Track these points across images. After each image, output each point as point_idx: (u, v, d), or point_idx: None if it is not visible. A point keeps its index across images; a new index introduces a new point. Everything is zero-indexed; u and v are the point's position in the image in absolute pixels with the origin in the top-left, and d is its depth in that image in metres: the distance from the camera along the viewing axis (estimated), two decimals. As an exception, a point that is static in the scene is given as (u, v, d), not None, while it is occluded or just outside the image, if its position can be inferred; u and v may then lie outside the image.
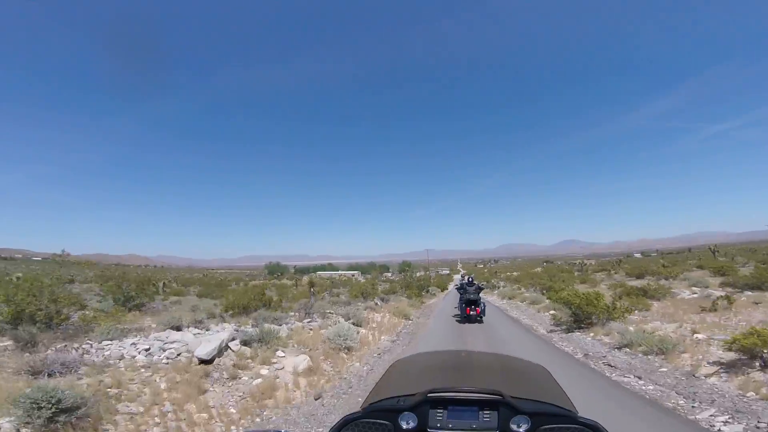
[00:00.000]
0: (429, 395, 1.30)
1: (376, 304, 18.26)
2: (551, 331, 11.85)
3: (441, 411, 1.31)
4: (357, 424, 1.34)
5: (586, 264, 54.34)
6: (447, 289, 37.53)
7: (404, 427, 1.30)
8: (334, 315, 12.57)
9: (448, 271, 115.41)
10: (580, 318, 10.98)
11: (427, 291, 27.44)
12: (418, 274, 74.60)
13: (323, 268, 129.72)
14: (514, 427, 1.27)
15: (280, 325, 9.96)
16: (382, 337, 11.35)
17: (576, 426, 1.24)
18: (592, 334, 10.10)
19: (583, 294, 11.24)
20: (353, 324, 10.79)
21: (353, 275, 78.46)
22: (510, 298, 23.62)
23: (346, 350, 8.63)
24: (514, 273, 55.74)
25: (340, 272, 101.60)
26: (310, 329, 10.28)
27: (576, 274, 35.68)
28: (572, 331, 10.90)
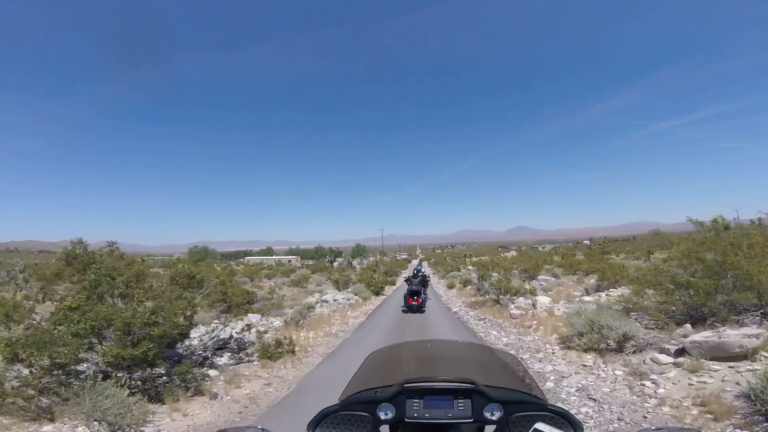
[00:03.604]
0: (405, 385, 1.32)
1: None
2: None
3: (417, 401, 1.32)
4: (335, 416, 1.34)
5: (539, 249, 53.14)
6: (395, 285, 30.46)
7: (382, 417, 1.31)
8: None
9: (406, 256, 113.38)
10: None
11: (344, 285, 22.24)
12: (370, 260, 71.03)
13: (259, 253, 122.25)
14: (487, 414, 1.29)
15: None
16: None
17: (546, 413, 1.27)
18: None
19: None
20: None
21: (289, 261, 72.85)
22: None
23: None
24: (482, 257, 52.55)
25: (277, 258, 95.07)
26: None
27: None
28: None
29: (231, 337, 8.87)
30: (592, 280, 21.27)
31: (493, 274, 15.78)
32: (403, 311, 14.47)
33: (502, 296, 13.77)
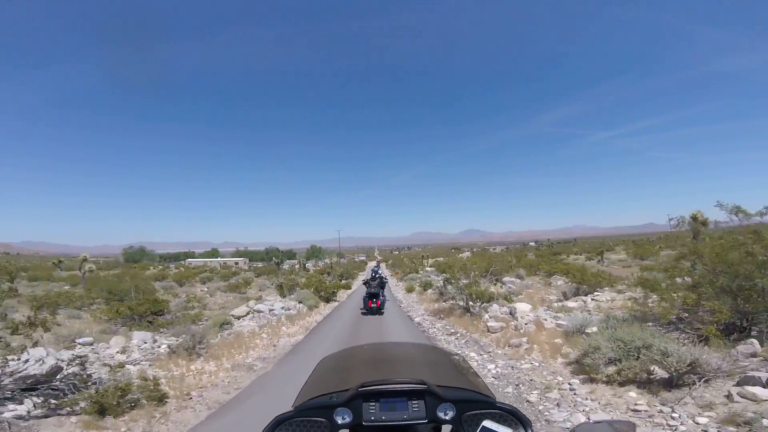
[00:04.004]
0: (360, 389, 1.30)
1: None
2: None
3: (374, 404, 1.31)
4: (291, 423, 1.28)
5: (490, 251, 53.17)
6: (351, 288, 27.68)
7: (339, 422, 1.29)
8: None
9: (364, 257, 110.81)
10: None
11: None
12: (326, 261, 67.07)
13: (204, 255, 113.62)
14: (441, 414, 1.29)
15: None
16: None
17: (495, 411, 1.28)
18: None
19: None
20: None
21: (236, 263, 67.35)
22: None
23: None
24: (438, 259, 50.92)
25: (223, 260, 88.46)
26: None
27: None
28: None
29: (57, 369, 5.37)
30: (559, 282, 20.03)
31: (461, 278, 13.33)
32: (363, 313, 14.33)
33: (472, 303, 11.46)
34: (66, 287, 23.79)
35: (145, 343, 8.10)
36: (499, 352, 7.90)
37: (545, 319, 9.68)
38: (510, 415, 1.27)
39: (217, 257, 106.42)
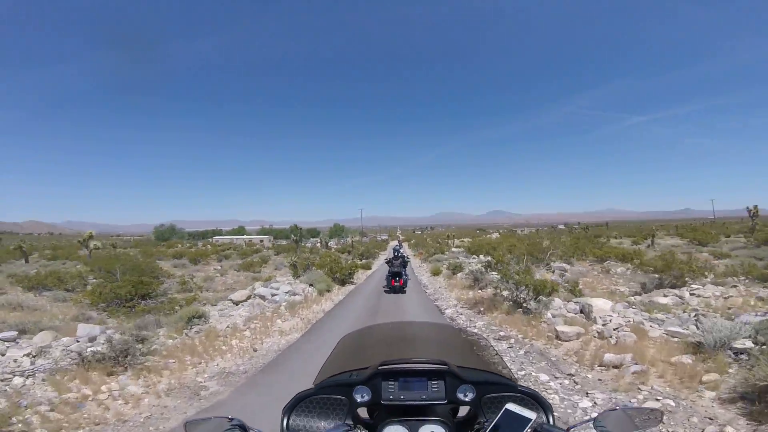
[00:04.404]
0: (380, 368, 1.29)
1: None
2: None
3: (393, 383, 1.30)
4: (311, 400, 1.31)
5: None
6: (371, 269, 25.00)
7: (358, 400, 1.30)
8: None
9: (386, 237, 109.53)
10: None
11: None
12: (347, 240, 65.27)
13: (231, 232, 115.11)
14: (460, 396, 1.28)
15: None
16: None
17: (517, 394, 1.28)
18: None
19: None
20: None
21: (261, 241, 66.92)
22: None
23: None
24: (465, 239, 47.79)
25: (248, 237, 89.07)
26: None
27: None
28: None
29: None
30: (618, 269, 16.71)
31: (509, 262, 10.29)
32: (386, 291, 13.97)
33: (526, 296, 8.58)
34: (78, 266, 22.86)
35: (78, 341, 5.89)
36: (590, 376, 5.12)
37: (641, 323, 6.75)
38: (532, 399, 1.27)
39: (243, 235, 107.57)
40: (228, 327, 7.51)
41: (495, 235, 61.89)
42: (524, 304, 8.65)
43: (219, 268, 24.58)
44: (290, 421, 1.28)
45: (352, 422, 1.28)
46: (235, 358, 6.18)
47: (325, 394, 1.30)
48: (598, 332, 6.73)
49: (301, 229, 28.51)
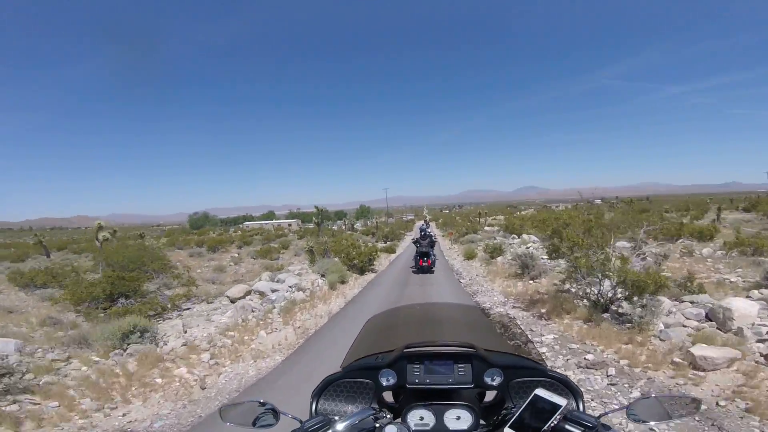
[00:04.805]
0: (405, 351, 1.29)
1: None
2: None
3: (418, 366, 1.29)
4: (338, 384, 1.33)
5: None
6: (395, 252, 22.56)
7: (384, 384, 1.30)
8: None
9: (412, 216, 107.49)
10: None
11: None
12: (373, 221, 63.22)
13: (261, 218, 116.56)
14: (488, 380, 1.27)
15: None
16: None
17: (546, 379, 1.25)
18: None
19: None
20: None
21: (289, 224, 66.39)
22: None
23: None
24: (498, 217, 44.48)
25: (277, 222, 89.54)
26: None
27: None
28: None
29: None
30: (704, 250, 13.40)
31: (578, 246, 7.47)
32: (414, 272, 13.50)
33: (609, 293, 5.94)
34: (89, 260, 22.19)
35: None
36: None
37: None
38: (562, 384, 1.25)
39: (272, 219, 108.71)
40: (184, 345, 5.45)
41: (529, 212, 57.71)
42: (608, 308, 6.01)
43: (236, 255, 23.20)
44: (319, 405, 1.30)
45: (377, 406, 1.29)
46: (163, 401, 4.07)
47: (352, 378, 1.31)
48: (763, 355, 4.08)
49: (322, 210, 26.31)
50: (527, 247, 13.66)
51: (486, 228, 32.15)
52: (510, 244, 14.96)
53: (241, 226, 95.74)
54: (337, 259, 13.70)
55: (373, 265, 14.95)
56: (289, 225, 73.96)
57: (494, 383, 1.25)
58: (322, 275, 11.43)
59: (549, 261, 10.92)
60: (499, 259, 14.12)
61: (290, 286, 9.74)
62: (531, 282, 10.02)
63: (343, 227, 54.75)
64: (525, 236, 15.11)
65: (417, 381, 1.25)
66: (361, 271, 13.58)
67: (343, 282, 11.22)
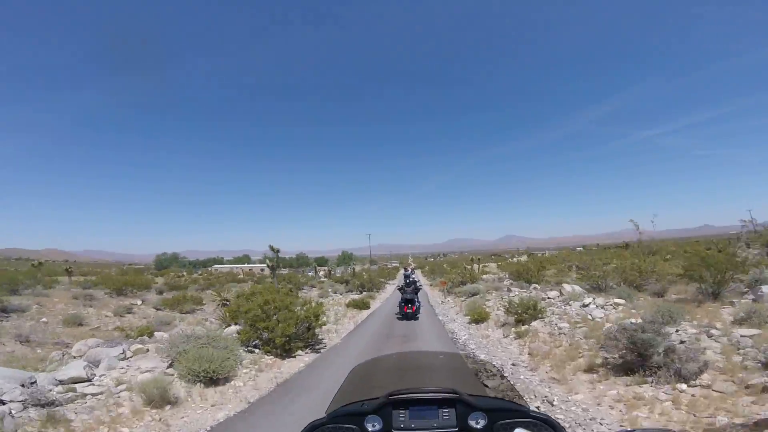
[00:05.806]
0: (390, 397, 1.31)
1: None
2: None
3: (403, 412, 1.31)
4: (323, 429, 1.32)
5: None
6: (369, 308, 16.99)
7: (370, 429, 1.30)
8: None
9: (397, 264, 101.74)
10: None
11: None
12: (354, 268, 56.80)
13: (233, 261, 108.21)
14: (472, 423, 1.28)
15: None
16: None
17: (529, 420, 1.26)
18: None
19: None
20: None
21: (261, 270, 59.41)
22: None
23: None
24: (491, 264, 39.06)
25: (249, 266, 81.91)
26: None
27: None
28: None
29: None
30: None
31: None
32: (398, 318, 13.10)
33: None
34: None
35: None
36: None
37: None
38: (545, 424, 1.25)
39: (245, 264, 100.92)
40: None
41: (523, 258, 52.87)
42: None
43: (139, 303, 16.39)
44: None
45: None
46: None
47: (337, 423, 1.31)
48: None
49: (278, 251, 20.40)
50: (583, 305, 8.08)
51: (483, 277, 26.25)
52: (548, 299, 9.35)
53: (209, 269, 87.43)
54: (236, 327, 7.66)
55: (318, 334, 8.91)
56: (262, 270, 66.91)
57: (478, 426, 1.27)
58: (171, 365, 5.40)
59: (679, 334, 5.32)
60: (535, 324, 8.44)
61: (106, 384, 3.71)
62: (614, 357, 4.34)
63: (321, 274, 48.27)
64: (567, 286, 9.55)
65: (402, 426, 1.29)
66: (285, 352, 7.46)
67: (215, 380, 5.13)
